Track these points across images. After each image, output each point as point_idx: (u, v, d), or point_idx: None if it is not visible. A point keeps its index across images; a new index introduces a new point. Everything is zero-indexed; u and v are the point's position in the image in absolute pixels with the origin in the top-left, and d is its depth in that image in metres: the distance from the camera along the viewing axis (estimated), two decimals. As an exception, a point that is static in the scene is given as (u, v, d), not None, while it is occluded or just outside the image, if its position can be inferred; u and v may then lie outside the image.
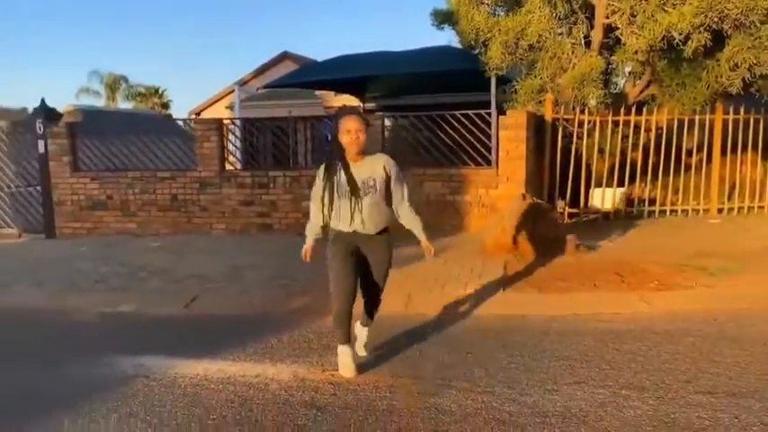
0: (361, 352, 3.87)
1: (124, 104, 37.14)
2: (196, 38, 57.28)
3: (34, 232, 9.22)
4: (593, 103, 8.73)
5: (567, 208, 8.60)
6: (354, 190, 3.47)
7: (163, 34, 56.27)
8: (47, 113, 8.87)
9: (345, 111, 3.65)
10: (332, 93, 15.96)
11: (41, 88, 52.40)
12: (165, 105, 37.46)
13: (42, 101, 8.88)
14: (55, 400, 3.42)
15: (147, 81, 38.80)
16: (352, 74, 11.61)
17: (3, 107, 15.24)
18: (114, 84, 37.48)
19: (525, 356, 3.84)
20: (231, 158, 9.24)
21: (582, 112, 8.50)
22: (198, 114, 20.48)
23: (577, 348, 3.95)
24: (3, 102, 34.49)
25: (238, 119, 10.89)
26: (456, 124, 8.14)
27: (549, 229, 6.65)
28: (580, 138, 8.53)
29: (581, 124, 8.50)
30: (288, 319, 4.85)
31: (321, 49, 35.46)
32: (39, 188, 9.12)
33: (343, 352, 3.59)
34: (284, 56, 19.25)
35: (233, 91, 19.39)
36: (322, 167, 3.59)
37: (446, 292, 5.40)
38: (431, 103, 10.95)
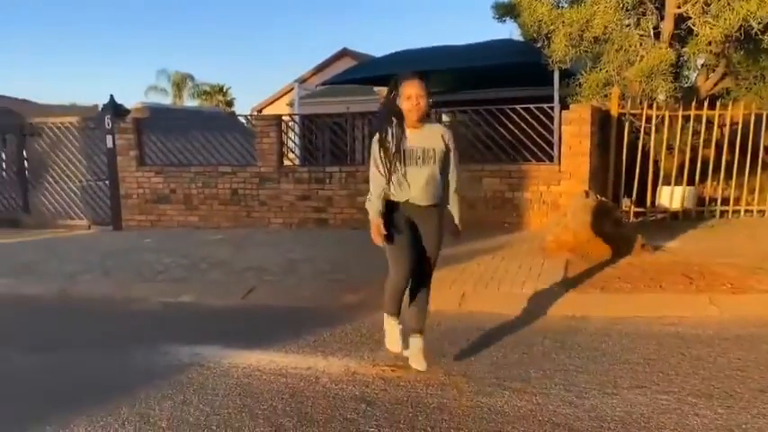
0: (420, 365, 3.47)
1: (190, 102, 38.34)
2: (260, 37, 58.59)
3: (103, 224, 9.59)
4: (661, 97, 8.37)
5: (632, 206, 8.27)
6: (411, 159, 3.31)
7: (228, 36, 57.94)
8: (115, 109, 9.20)
9: (406, 75, 3.38)
10: (391, 89, 15.95)
11: (114, 87, 54.80)
12: (230, 103, 38.43)
13: (111, 97, 9.22)
14: (114, 385, 3.51)
15: (211, 79, 39.89)
16: (411, 68, 11.49)
17: (75, 105, 16.00)
18: (181, 82, 38.71)
19: (584, 358, 3.69)
20: (290, 154, 9.34)
21: (650, 106, 8.15)
22: (259, 111, 20.89)
23: (640, 352, 3.76)
24: (76, 100, 36.21)
25: (297, 115, 11.03)
26: (516, 119, 7.95)
27: (613, 227, 6.39)
28: (648, 133, 8.19)
29: (649, 119, 8.15)
30: (341, 313, 4.84)
31: (380, 46, 35.48)
32: (107, 182, 9.47)
33: (392, 325, 3.47)
34: (343, 53, 19.38)
35: (293, 88, 19.69)
36: (376, 135, 3.38)
37: (503, 290, 5.26)
38: (491, 97, 10.74)
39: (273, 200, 8.71)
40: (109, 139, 9.24)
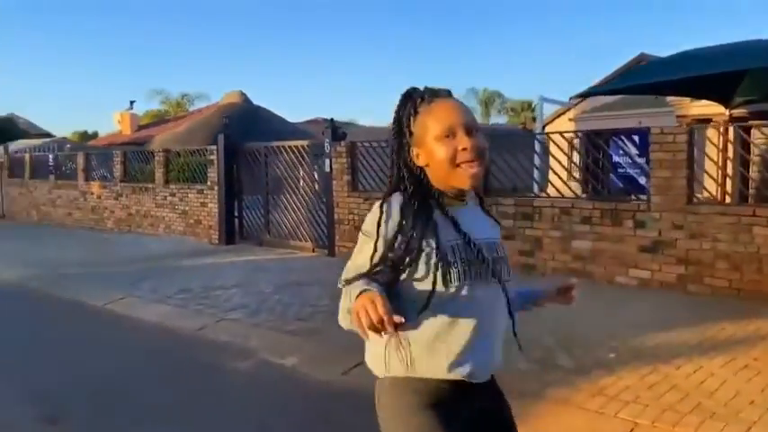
0: None
1: (497, 120, 38.38)
2: (565, 49, 56.79)
3: (324, 248, 9.39)
4: None
5: None
6: (472, 268, 1.56)
7: (535, 50, 57.15)
8: (333, 133, 8.90)
9: (425, 90, 1.63)
10: (687, 98, 12.88)
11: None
12: (536, 119, 37.29)
13: (331, 120, 8.96)
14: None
15: (520, 96, 39.42)
16: (713, 69, 8.72)
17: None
18: (488, 100, 39.00)
19: None
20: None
21: None
22: (544, 127, 19.21)
23: None
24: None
25: (541, 134, 9.38)
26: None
27: None
28: None
29: None
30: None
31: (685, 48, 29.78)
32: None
33: None
34: (640, 59, 16.52)
35: (581, 100, 17.73)
36: (393, 208, 1.55)
37: (702, 434, 3.09)
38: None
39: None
40: (327, 162, 8.99)
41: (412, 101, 1.62)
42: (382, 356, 1.60)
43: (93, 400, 4.04)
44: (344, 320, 1.55)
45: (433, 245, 1.52)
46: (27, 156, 16.38)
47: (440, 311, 1.53)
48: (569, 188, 7.03)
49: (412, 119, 1.60)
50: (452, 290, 1.52)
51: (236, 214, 10.91)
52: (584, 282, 6.40)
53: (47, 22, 64.50)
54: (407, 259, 1.51)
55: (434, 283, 1.51)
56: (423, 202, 1.56)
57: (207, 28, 68.07)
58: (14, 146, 18.61)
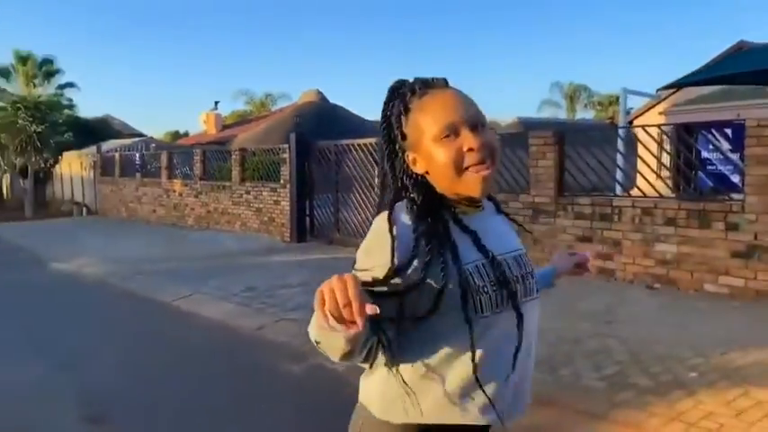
0: None
1: (583, 114, 37.00)
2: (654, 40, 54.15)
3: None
4: None
5: None
6: (514, 288, 1.31)
7: (617, 44, 54.82)
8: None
9: (415, 82, 1.32)
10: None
11: (509, 100, 57.42)
12: (626, 113, 35.67)
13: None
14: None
15: (606, 89, 37.71)
16: None
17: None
18: (574, 94, 37.60)
19: None
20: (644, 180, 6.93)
21: None
22: (631, 122, 18.17)
23: None
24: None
25: (624, 127, 8.82)
26: None
27: None
28: None
29: None
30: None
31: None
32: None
33: None
34: (740, 46, 15.24)
35: (674, 92, 16.65)
36: (403, 225, 1.25)
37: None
38: None
39: (548, 238, 6.89)
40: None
41: (400, 96, 1.31)
42: (401, 402, 1.31)
43: (142, 400, 4.02)
44: (312, 327, 1.23)
45: (457, 269, 1.24)
46: (117, 155, 17.21)
47: (468, 347, 1.24)
48: (653, 188, 6.47)
49: (403, 118, 1.30)
50: (483, 321, 1.24)
51: (307, 212, 10.94)
52: (667, 289, 5.98)
53: (146, 28, 68.09)
54: (419, 288, 1.21)
55: (464, 313, 1.23)
56: (436, 214, 1.28)
57: (294, 29, 69.60)
58: (106, 146, 19.60)
